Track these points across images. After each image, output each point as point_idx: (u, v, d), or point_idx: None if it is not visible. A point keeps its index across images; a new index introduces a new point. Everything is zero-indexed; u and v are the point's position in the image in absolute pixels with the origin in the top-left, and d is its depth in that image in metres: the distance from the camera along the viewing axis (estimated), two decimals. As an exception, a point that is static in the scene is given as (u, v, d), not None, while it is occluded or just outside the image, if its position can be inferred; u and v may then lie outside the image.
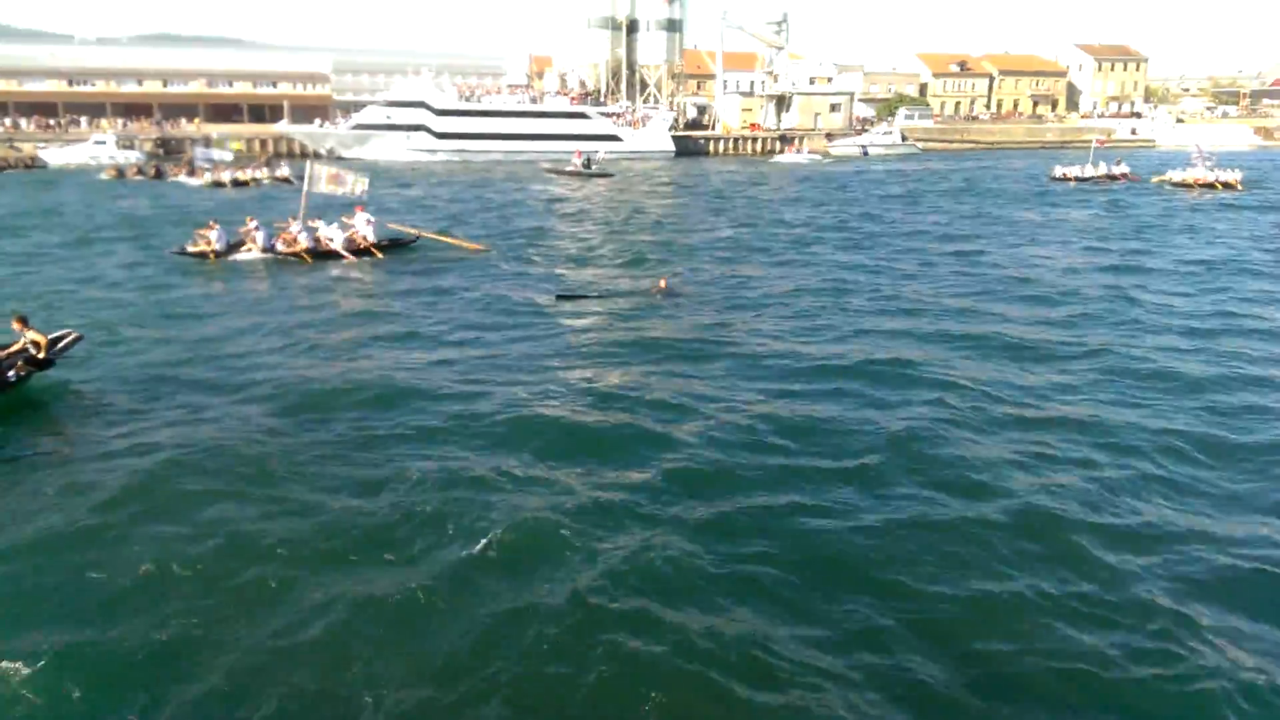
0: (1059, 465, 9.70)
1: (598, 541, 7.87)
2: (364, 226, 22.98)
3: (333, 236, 22.46)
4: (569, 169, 54.62)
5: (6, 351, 11.49)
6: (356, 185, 23.45)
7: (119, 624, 6.69)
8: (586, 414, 11.25)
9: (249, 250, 21.87)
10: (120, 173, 47.98)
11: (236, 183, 43.45)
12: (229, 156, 55.02)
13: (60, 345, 12.21)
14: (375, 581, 7.23)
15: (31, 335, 11.69)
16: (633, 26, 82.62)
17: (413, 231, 24.80)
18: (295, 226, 22.33)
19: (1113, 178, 48.80)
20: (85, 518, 8.26)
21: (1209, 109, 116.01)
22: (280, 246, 21.99)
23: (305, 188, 23.18)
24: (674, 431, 10.57)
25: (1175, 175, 45.46)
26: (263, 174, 45.87)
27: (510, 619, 6.74)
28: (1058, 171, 50.12)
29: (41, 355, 11.68)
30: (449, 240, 24.95)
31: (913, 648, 6.50)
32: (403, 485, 8.97)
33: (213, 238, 21.77)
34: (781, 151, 74.40)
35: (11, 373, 11.29)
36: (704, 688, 6.01)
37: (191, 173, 46.84)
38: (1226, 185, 43.37)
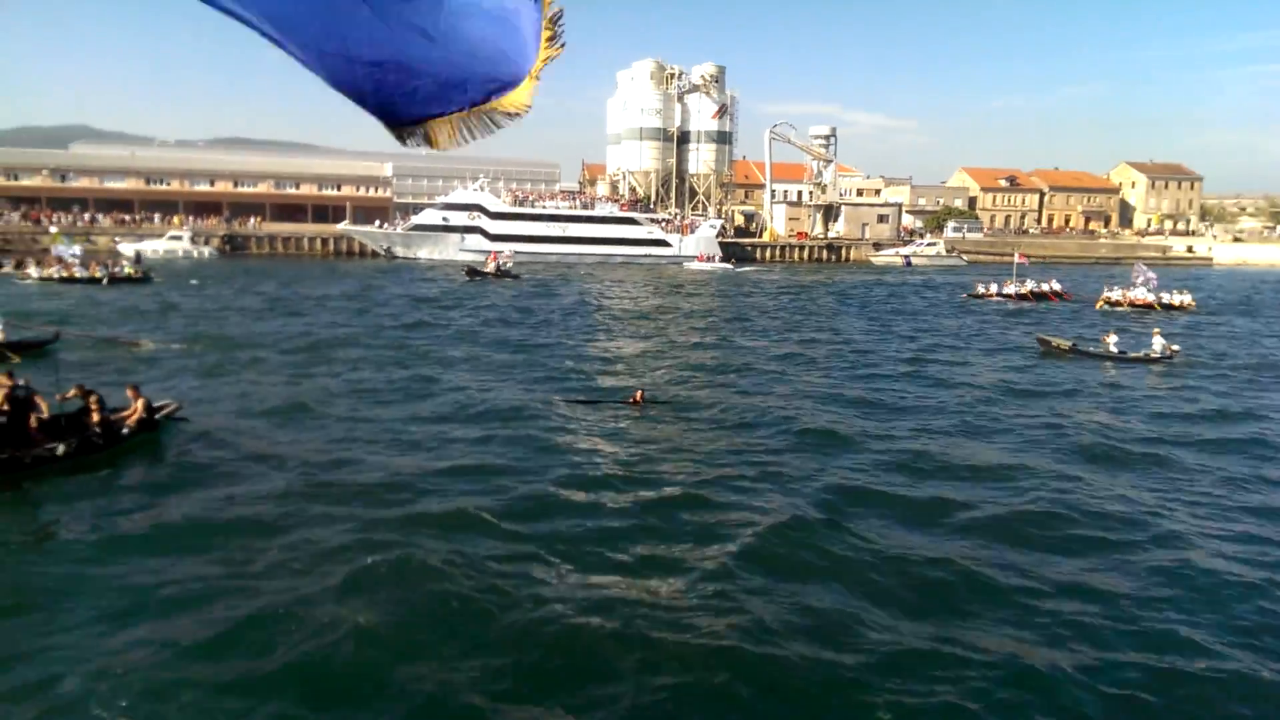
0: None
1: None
2: None
3: None
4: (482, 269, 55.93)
5: (123, 414, 14.22)
6: None
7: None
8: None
9: None
10: None
11: (70, 279, 41.77)
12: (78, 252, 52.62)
13: (164, 412, 14.83)
14: None
15: (142, 401, 14.33)
16: (684, 138, 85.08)
17: (51, 329, 23.82)
18: None
19: (1040, 296, 46.74)
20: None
21: (1268, 228, 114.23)
22: None
23: None
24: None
25: (1113, 295, 43.26)
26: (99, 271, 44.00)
27: None
28: (978, 289, 48.25)
29: (146, 417, 14.25)
30: (103, 337, 23.82)
31: None
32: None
33: None
34: (692, 260, 73.25)
35: (125, 429, 13.97)
36: None
37: (37, 265, 44.56)
38: (1171, 307, 41.99)
